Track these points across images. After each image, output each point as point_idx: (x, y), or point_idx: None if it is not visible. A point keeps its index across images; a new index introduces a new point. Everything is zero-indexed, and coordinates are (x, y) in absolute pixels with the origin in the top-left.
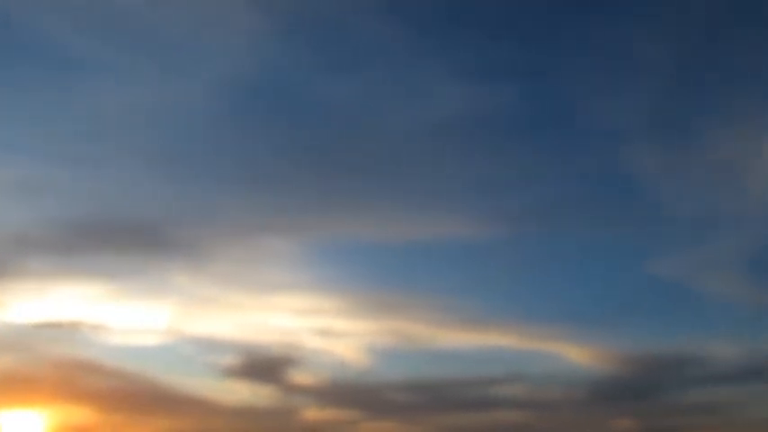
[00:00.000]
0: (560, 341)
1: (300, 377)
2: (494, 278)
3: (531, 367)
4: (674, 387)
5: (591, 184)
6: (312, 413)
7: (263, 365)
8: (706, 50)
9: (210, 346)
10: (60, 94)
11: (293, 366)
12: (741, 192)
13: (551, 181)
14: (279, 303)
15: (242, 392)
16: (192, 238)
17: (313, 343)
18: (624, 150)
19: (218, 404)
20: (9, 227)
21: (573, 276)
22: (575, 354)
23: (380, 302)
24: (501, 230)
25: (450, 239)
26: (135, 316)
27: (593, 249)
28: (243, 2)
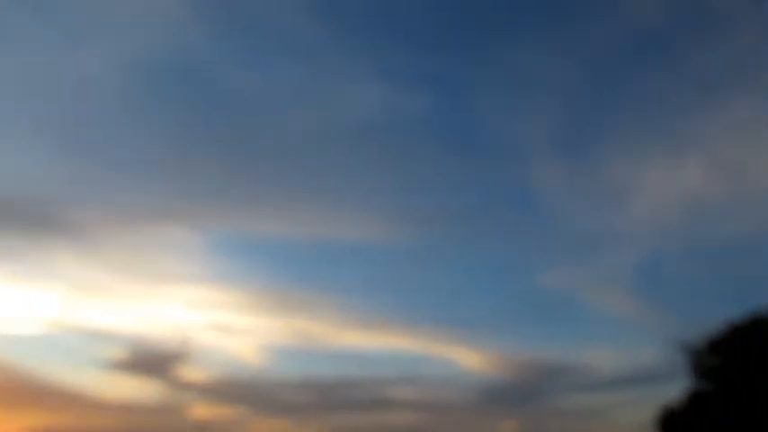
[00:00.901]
0: (454, 345)
1: (191, 373)
2: (396, 281)
3: (425, 370)
4: (557, 392)
5: (493, 196)
6: (200, 410)
7: (152, 359)
8: (607, 79)
9: (96, 336)
10: None
11: (184, 361)
12: (629, 212)
13: (458, 190)
14: (173, 295)
15: (127, 387)
16: (82, 220)
17: (207, 338)
18: (526, 166)
19: (99, 399)
20: None
21: (471, 283)
22: (467, 358)
23: (281, 299)
24: (407, 235)
25: (357, 240)
26: (15, 302)
27: (491, 258)
28: None
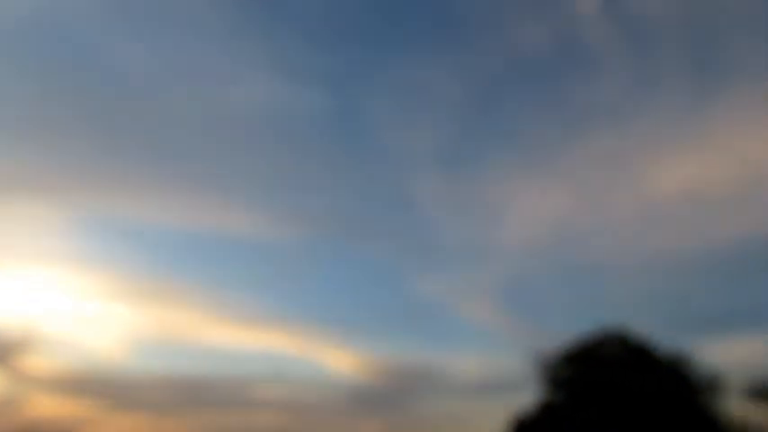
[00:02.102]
0: (326, 346)
1: (37, 364)
2: (273, 278)
3: (294, 370)
4: (422, 397)
5: (376, 201)
6: (45, 404)
7: None
8: (492, 99)
9: None
10: None
11: (29, 351)
12: (501, 229)
13: (342, 191)
14: (23, 276)
15: None
16: None
17: (62, 326)
18: (410, 174)
19: None
20: None
21: (347, 285)
22: (337, 360)
23: (150, 289)
24: (287, 232)
25: (236, 233)
26: None
27: (368, 261)
28: None
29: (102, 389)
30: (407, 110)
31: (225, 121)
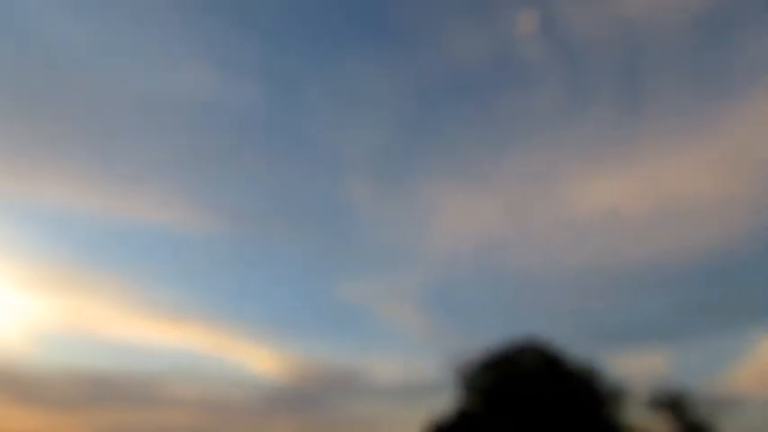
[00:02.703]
0: (244, 345)
1: None
2: (193, 273)
3: (210, 368)
4: (340, 400)
5: (306, 200)
6: None
7: None
8: (429, 107)
9: None
10: None
11: None
12: (430, 236)
13: (272, 189)
14: None
15: None
16: None
17: None
18: (342, 176)
19: None
20: None
21: (271, 284)
22: (256, 359)
23: (57, 279)
24: (211, 226)
25: (156, 225)
26: None
27: (294, 261)
28: None
29: (1, 382)
30: (344, 110)
31: (152, 108)
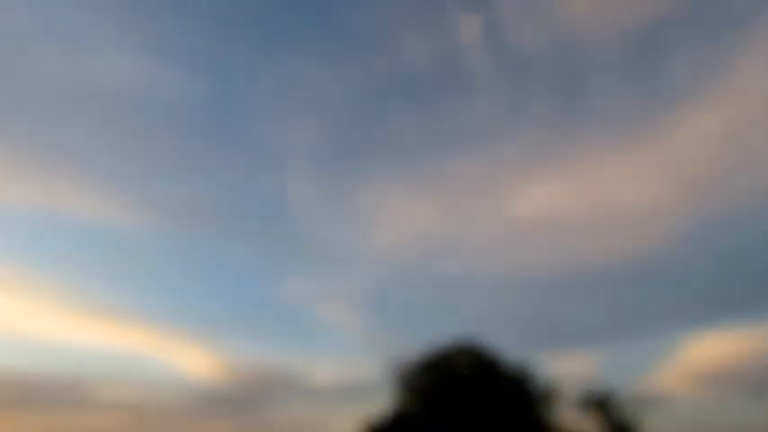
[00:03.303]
0: (178, 345)
1: None
2: (124, 269)
3: (141, 369)
4: (278, 402)
5: (246, 197)
6: None
7: None
8: (375, 109)
9: None
10: None
11: None
12: (371, 237)
13: (213, 185)
14: None
15: None
16: None
17: None
18: (285, 174)
19: None
20: None
21: (208, 282)
22: (190, 360)
23: None
24: (145, 222)
25: (86, 218)
26: None
27: (233, 259)
28: None
29: None
30: (289, 108)
31: (86, 98)
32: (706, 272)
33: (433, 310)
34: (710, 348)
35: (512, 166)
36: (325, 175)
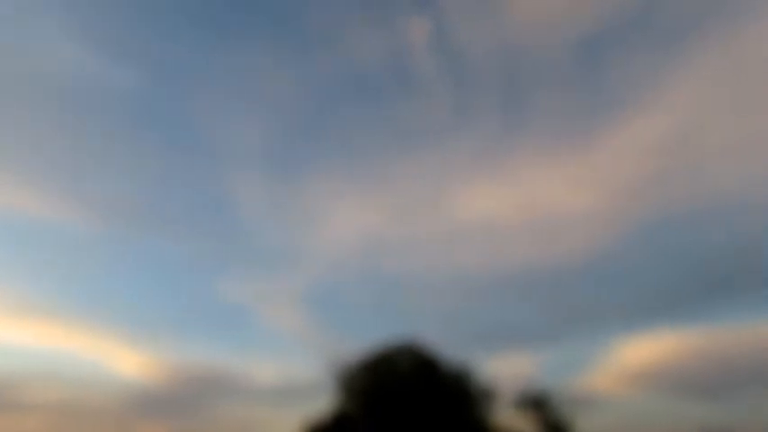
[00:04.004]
0: (111, 345)
1: None
2: (57, 266)
3: (71, 369)
4: (215, 403)
5: (186, 194)
6: None
7: None
8: (324, 108)
9: None
10: None
11: None
12: (316, 237)
13: (152, 182)
14: None
15: None
16: None
17: None
18: (227, 171)
19: None
20: None
21: (144, 280)
22: (124, 361)
23: None
24: (79, 218)
25: (17, 213)
26: None
27: (172, 258)
28: None
29: None
30: (235, 104)
31: (23, 91)
32: (640, 275)
33: (376, 311)
34: (643, 349)
35: (456, 168)
36: (269, 174)
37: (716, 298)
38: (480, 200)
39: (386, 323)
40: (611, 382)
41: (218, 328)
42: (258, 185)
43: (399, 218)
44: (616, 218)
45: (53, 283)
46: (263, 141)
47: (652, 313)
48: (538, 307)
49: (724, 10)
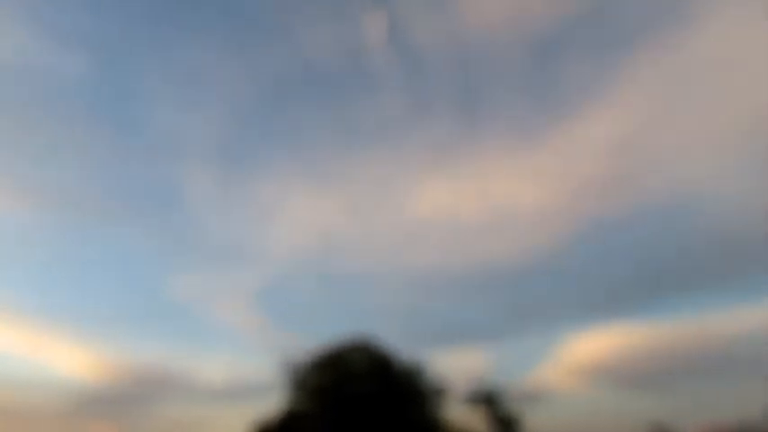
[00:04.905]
0: (53, 343)
1: None
2: None
3: (12, 368)
4: (163, 402)
5: (136, 186)
6: None
7: None
8: (277, 103)
9: None
10: None
11: None
12: (269, 233)
13: (99, 172)
14: None
15: None
16: None
17: None
18: (180, 164)
19: None
20: None
21: (89, 275)
22: (66, 359)
23: None
24: (21, 208)
25: None
26: None
27: (119, 253)
28: None
29: None
30: (186, 94)
31: None
32: (590, 271)
33: (329, 309)
34: (591, 344)
35: (412, 164)
36: (223, 168)
37: (660, 294)
38: (436, 197)
39: (339, 321)
40: (560, 377)
41: (167, 325)
42: (210, 179)
43: (354, 214)
44: (570, 215)
45: None
46: (216, 134)
47: (601, 309)
48: (491, 304)
49: (676, 11)
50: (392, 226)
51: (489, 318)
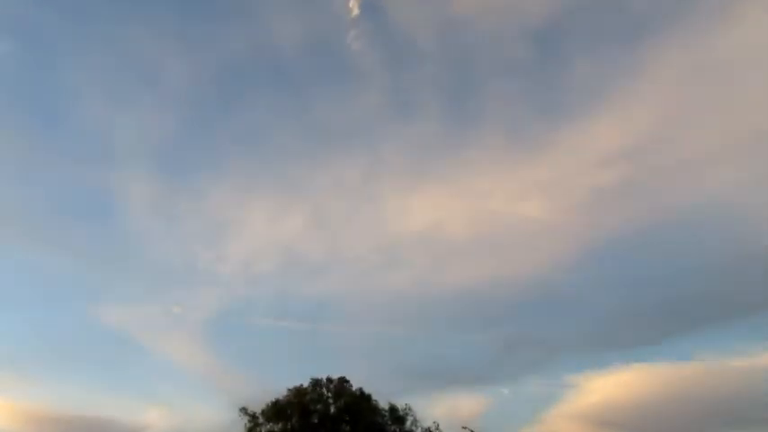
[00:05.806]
0: None
1: None
2: None
3: None
4: None
5: (62, 198)
6: None
7: None
8: (233, 98)
9: None
10: None
11: None
12: (222, 254)
13: (17, 180)
14: None
15: None
16: None
17: None
18: (113, 174)
19: None
20: None
21: (3, 305)
22: None
23: None
24: None
25: None
26: None
27: (40, 276)
28: None
29: None
30: (121, 90)
31: None
32: (595, 302)
33: (292, 342)
34: (598, 389)
35: (390, 172)
36: (165, 175)
37: (680, 329)
38: (417, 210)
39: (303, 357)
40: (566, 423)
41: (96, 362)
42: (148, 188)
43: (321, 229)
44: (575, 231)
45: None
46: (156, 134)
47: (610, 345)
48: (482, 338)
49: (690, 11)
50: (366, 243)
51: (481, 355)
